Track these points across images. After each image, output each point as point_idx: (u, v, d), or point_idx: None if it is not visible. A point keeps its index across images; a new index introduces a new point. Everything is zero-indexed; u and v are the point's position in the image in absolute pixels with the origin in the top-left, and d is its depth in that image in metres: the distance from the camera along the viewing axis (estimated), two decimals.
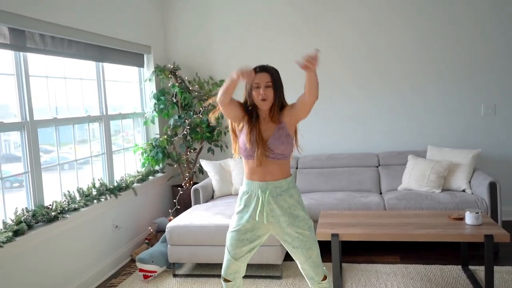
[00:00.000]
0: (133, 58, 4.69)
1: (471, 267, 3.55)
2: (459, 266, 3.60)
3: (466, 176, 4.20)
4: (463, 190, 4.18)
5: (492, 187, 3.83)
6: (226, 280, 2.54)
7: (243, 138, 2.40)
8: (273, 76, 2.37)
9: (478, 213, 3.09)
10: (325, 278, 2.47)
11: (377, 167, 4.72)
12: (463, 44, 4.74)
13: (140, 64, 4.87)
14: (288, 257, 3.83)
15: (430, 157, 4.47)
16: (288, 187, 2.40)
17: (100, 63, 4.10)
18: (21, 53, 3.11)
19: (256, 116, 2.42)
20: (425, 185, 4.20)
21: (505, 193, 4.54)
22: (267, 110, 2.41)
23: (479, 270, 3.49)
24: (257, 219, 2.39)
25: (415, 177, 4.29)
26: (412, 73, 4.86)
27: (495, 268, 3.48)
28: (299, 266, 2.48)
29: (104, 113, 4.12)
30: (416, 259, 3.82)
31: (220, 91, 2.34)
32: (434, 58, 4.80)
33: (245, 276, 3.57)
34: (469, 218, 3.11)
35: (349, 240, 3.12)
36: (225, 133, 5.16)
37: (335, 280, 3.09)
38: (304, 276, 2.50)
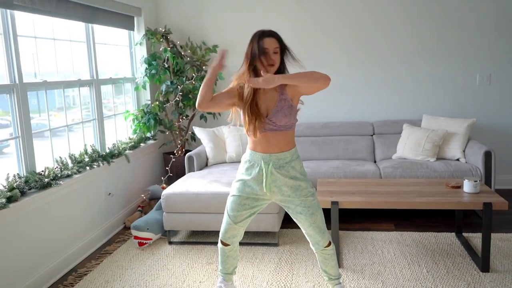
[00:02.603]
0: (123, 20, 4.49)
1: (465, 234, 3.60)
2: (453, 233, 3.65)
3: (461, 145, 4.21)
4: (457, 159, 4.20)
5: (487, 156, 3.86)
6: (224, 244, 2.57)
7: (242, 114, 2.36)
8: (281, 42, 2.31)
9: (476, 181, 3.11)
10: (329, 244, 2.48)
11: (372, 135, 4.70)
12: (459, 13, 4.67)
13: (130, 27, 4.68)
14: (284, 225, 3.83)
15: (425, 126, 4.46)
16: (291, 159, 2.38)
17: (90, 25, 3.92)
18: (8, 11, 2.93)
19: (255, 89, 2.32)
20: (420, 153, 4.20)
21: (499, 162, 4.59)
22: None
23: (473, 237, 3.55)
24: (259, 188, 2.39)
25: (410, 146, 4.28)
26: (408, 42, 4.79)
27: None
28: (304, 231, 2.48)
29: (95, 77, 3.97)
30: (410, 226, 3.86)
31: (200, 94, 2.26)
32: (431, 27, 4.72)
33: (242, 244, 3.57)
34: (468, 186, 3.13)
35: (344, 208, 3.11)
36: None
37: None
38: (309, 241, 2.51)
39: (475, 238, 3.52)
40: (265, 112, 2.32)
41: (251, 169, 2.40)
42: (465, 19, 4.67)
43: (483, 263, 2.98)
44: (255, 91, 2.32)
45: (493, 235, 3.55)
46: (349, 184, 3.49)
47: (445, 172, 3.92)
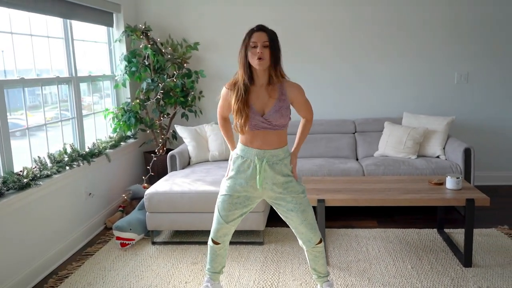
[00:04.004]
0: (102, 16, 4.39)
1: (446, 230, 3.66)
2: (434, 230, 3.71)
3: (441, 142, 4.28)
4: (438, 156, 4.27)
5: (467, 153, 3.93)
6: (215, 242, 2.54)
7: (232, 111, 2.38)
8: (271, 36, 2.28)
9: (458, 178, 3.16)
10: (320, 241, 2.48)
11: (354, 133, 4.73)
12: (437, 12, 4.74)
13: (109, 24, 4.58)
14: (270, 223, 3.82)
15: (406, 124, 4.52)
16: (284, 156, 2.38)
17: (68, 21, 3.81)
18: None
19: (247, 85, 2.31)
20: (402, 151, 4.25)
21: (477, 159, 4.70)
22: (265, 74, 2.31)
23: (454, 233, 3.61)
24: (250, 185, 2.37)
25: (391, 144, 4.33)
26: (388, 40, 4.84)
27: None
28: (295, 230, 2.47)
29: (74, 74, 3.86)
30: (392, 223, 3.90)
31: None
32: (410, 26, 4.79)
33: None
34: (450, 183, 3.18)
35: (326, 206, 3.11)
36: (199, 98, 5.00)
37: None
38: (300, 239, 2.50)
39: (457, 234, 3.59)
40: (260, 110, 2.31)
41: (243, 165, 2.37)
42: (443, 18, 4.75)
43: (466, 259, 3.04)
44: (248, 91, 2.31)
45: (473, 231, 3.62)
46: (334, 182, 3.50)
47: (427, 169, 3.98)
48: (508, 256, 3.18)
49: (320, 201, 3.05)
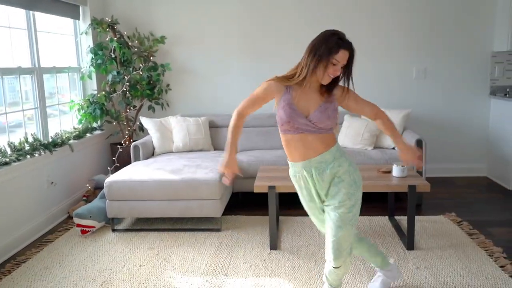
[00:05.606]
0: (68, 8, 4.45)
1: (397, 217, 3.83)
2: (386, 217, 3.87)
3: None
4: (393, 148, 4.44)
5: (419, 144, 4.10)
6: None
7: (282, 111, 2.16)
8: (352, 56, 2.18)
9: (403, 166, 3.32)
10: (339, 267, 2.30)
11: None
12: (398, 9, 4.92)
13: (76, 16, 4.64)
14: (228, 211, 3.94)
15: (364, 117, 4.68)
16: (334, 158, 2.20)
17: (31, 12, 3.86)
18: None
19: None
20: (359, 143, 4.41)
21: (430, 151, 4.88)
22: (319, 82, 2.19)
23: (403, 220, 3.78)
24: (308, 196, 2.34)
25: (350, 136, 4.49)
26: (347, 35, 4.97)
27: (418, 217, 3.78)
28: (326, 238, 2.32)
29: (37, 65, 3.92)
30: None
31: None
32: (370, 22, 4.95)
33: (185, 230, 3.66)
34: (396, 171, 3.34)
35: (286, 193, 3.24)
36: (166, 91, 5.09)
37: (271, 230, 3.24)
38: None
39: (405, 221, 3.74)
40: (305, 112, 2.16)
41: (299, 180, 2.32)
42: (404, 15, 4.92)
43: (409, 242, 3.20)
44: (298, 90, 2.17)
45: (421, 217, 3.81)
46: (288, 170, 3.62)
47: (380, 159, 4.14)
48: (450, 240, 3.35)
49: (271, 187, 3.18)
